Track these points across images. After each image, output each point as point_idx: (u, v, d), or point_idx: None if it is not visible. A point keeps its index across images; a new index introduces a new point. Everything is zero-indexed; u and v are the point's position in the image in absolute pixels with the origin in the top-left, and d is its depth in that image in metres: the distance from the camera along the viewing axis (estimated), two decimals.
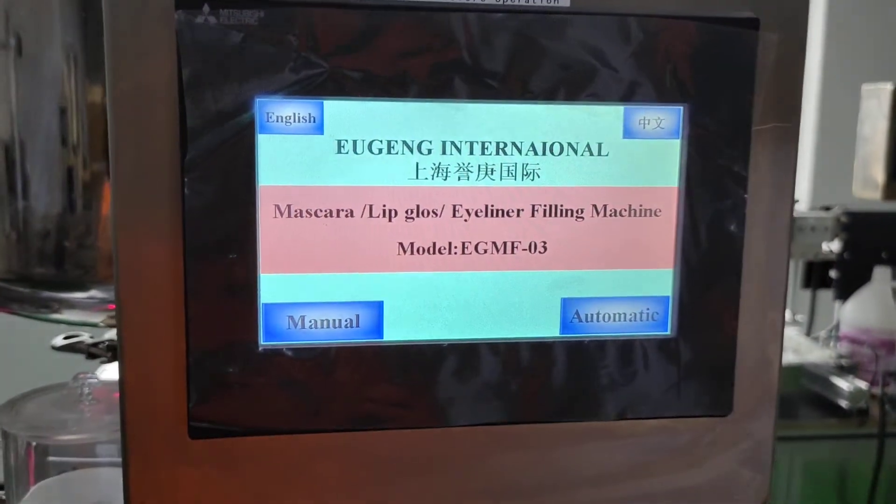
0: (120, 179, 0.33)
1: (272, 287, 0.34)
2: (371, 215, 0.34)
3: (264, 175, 0.33)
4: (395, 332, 0.35)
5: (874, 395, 1.14)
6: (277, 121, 0.33)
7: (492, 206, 0.35)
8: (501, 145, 0.35)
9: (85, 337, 0.71)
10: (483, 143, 0.35)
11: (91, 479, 0.50)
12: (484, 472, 0.36)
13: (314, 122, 0.34)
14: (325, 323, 0.35)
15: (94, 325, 0.70)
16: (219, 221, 0.33)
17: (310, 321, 0.35)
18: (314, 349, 0.35)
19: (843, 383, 1.12)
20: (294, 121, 0.33)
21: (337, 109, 0.34)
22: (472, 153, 0.35)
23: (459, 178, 0.35)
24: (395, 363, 0.35)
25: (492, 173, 0.35)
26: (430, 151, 0.34)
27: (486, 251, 0.35)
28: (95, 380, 0.50)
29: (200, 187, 0.33)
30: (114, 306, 0.65)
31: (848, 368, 1.18)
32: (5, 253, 0.61)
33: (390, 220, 0.35)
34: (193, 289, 0.33)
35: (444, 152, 0.35)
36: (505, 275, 0.36)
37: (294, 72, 0.33)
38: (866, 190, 1.18)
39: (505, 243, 0.35)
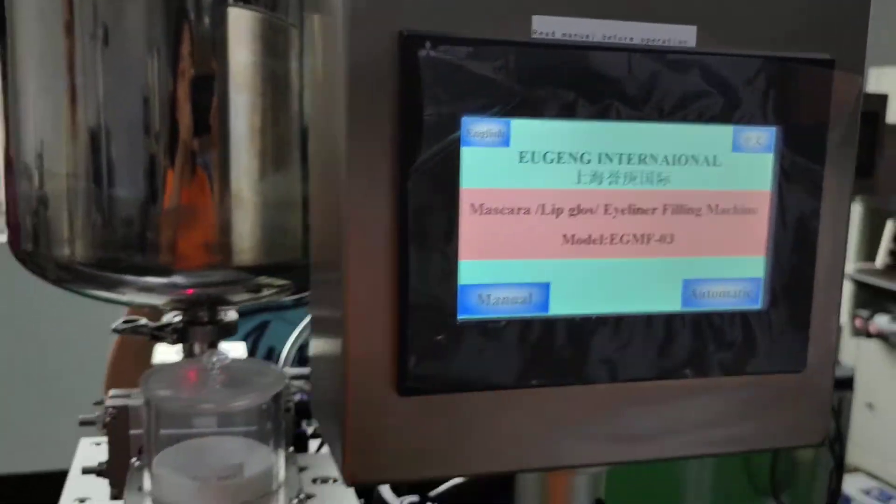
0: (352, 181, 0.40)
1: (467, 271, 0.42)
2: (543, 213, 0.43)
3: (465, 179, 0.41)
4: (559, 307, 0.43)
5: None
6: (475, 136, 0.41)
7: (633, 205, 0.44)
8: (642, 156, 0.44)
9: (143, 321, 0.76)
10: (629, 155, 0.43)
11: (220, 446, 0.56)
12: (622, 421, 0.45)
13: (503, 137, 0.41)
14: (505, 300, 0.43)
15: (157, 308, 0.75)
16: (430, 217, 0.41)
17: (494, 299, 0.42)
18: (497, 321, 0.42)
19: None
20: (488, 136, 0.41)
21: (520, 127, 0.42)
22: (620, 163, 0.43)
23: (610, 183, 0.43)
24: (558, 332, 0.43)
25: (634, 179, 0.44)
26: (589, 161, 0.43)
27: (628, 241, 0.44)
28: (225, 357, 0.56)
29: (418, 189, 0.40)
30: (192, 291, 0.70)
31: None
32: (90, 238, 0.65)
33: (557, 217, 0.43)
34: (408, 271, 0.41)
35: (599, 162, 0.43)
36: (642, 261, 0.44)
37: (491, 97, 0.41)
38: None
39: (643, 235, 0.44)
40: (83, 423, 0.66)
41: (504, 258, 0.42)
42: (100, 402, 0.66)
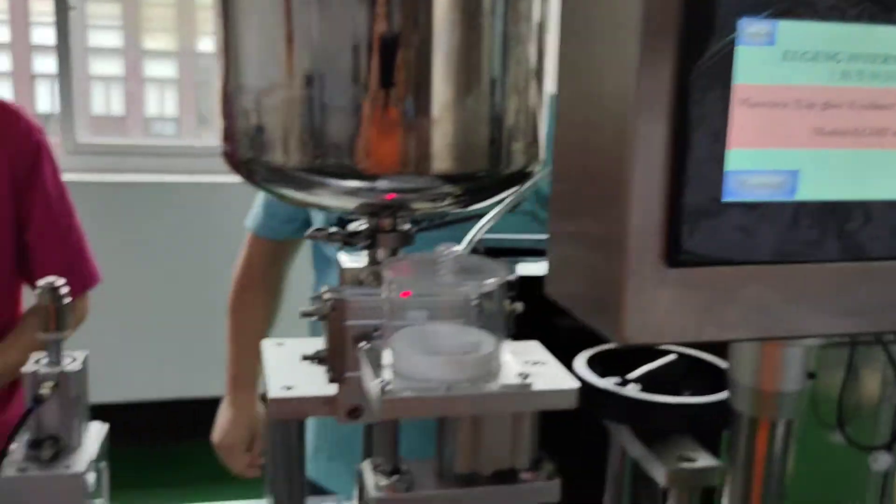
0: (642, 79, 0.45)
1: (733, 158, 0.47)
2: (798, 107, 0.48)
3: (737, 76, 0.46)
4: (805, 192, 0.49)
5: None
6: (748, 36, 0.46)
7: (874, 102, 0.49)
8: (885, 57, 0.48)
9: (331, 228, 0.82)
10: (874, 55, 0.48)
11: (450, 329, 0.63)
12: (852, 296, 0.51)
13: (770, 37, 0.46)
14: (762, 185, 0.48)
15: (348, 212, 0.81)
16: (706, 110, 0.46)
17: (750, 183, 0.48)
18: (753, 203, 0.48)
19: None
20: (758, 36, 0.46)
21: (785, 28, 0.47)
22: (865, 63, 0.48)
23: (857, 81, 0.48)
24: (804, 215, 0.49)
25: (877, 78, 0.49)
26: (840, 61, 0.48)
27: (868, 135, 0.49)
28: (456, 249, 0.62)
29: (698, 85, 0.45)
30: (392, 196, 0.76)
31: None
32: (302, 147, 0.72)
33: (810, 110, 0.48)
34: (685, 158, 0.46)
35: (848, 62, 0.48)
36: (878, 152, 0.49)
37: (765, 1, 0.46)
38: None
39: (881, 129, 0.49)
40: (304, 315, 0.73)
41: (763, 147, 0.48)
42: (318, 297, 0.73)
